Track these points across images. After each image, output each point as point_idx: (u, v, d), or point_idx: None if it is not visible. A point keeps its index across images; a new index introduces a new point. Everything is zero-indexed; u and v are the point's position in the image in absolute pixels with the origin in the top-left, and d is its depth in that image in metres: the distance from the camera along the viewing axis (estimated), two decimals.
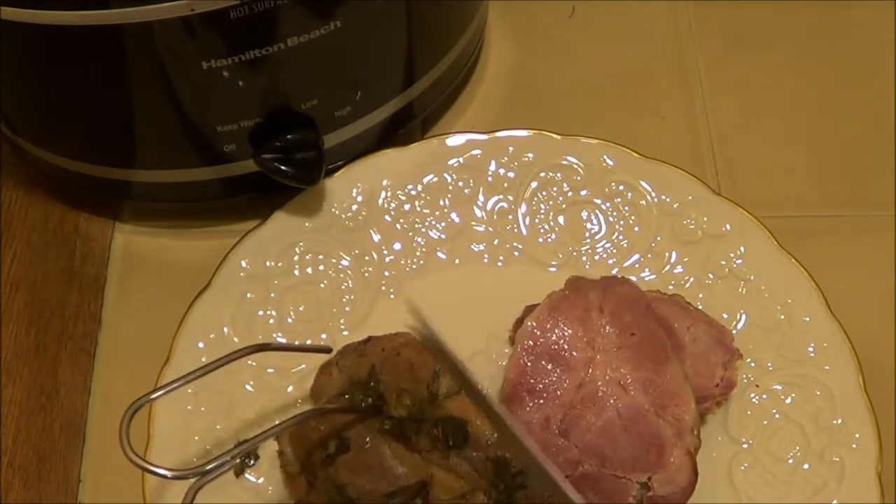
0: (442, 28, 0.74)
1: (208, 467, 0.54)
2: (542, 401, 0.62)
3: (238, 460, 0.56)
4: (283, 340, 0.69)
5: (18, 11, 0.58)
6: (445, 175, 0.74)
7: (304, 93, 0.67)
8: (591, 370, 0.63)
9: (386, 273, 0.72)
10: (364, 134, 0.73)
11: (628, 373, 0.62)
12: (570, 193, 0.74)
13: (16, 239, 0.75)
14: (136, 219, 0.76)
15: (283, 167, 0.68)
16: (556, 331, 0.64)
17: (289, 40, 0.63)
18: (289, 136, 0.68)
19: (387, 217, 0.73)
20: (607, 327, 0.64)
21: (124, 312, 0.72)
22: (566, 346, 0.63)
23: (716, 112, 0.82)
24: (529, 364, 0.63)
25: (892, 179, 0.79)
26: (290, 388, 0.67)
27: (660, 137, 0.80)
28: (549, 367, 0.63)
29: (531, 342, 0.64)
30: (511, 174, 0.74)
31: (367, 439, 0.59)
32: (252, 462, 0.63)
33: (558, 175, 0.74)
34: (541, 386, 0.63)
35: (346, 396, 0.60)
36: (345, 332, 0.69)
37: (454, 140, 0.74)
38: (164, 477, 0.54)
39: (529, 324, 0.64)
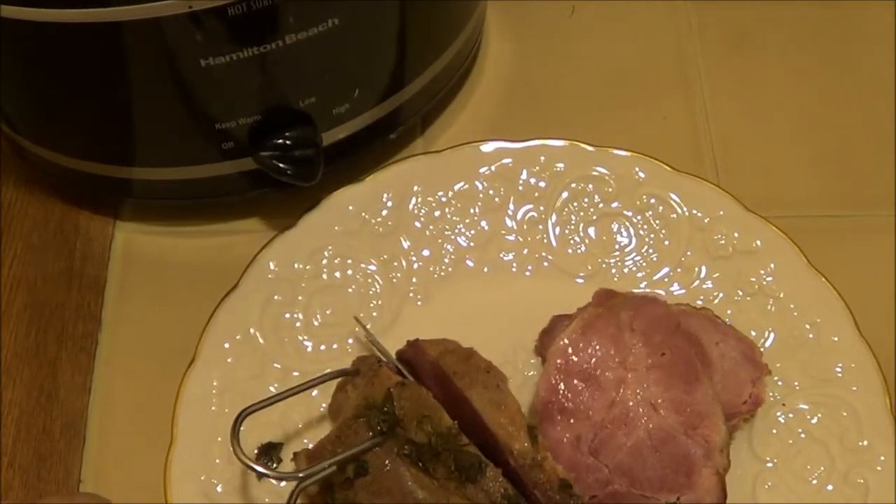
0: (439, 26, 0.74)
1: (308, 472, 0.59)
2: (573, 420, 0.62)
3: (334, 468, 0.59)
4: (309, 344, 0.69)
5: (18, 9, 0.58)
6: (476, 183, 0.74)
7: (302, 90, 0.67)
8: (622, 390, 0.63)
9: (414, 279, 0.72)
10: (363, 131, 0.73)
11: (659, 393, 0.63)
12: (600, 205, 0.74)
13: (16, 239, 0.75)
14: (136, 218, 0.76)
15: (281, 165, 0.68)
16: (589, 350, 0.64)
17: (287, 38, 0.63)
18: (287, 134, 0.68)
19: (416, 223, 0.73)
20: (639, 346, 0.64)
21: (124, 312, 0.72)
22: (598, 366, 0.63)
23: (716, 112, 0.82)
24: (561, 383, 0.63)
25: (892, 179, 0.79)
26: (314, 393, 0.67)
27: (660, 137, 0.80)
28: (581, 386, 0.63)
29: (563, 361, 0.64)
30: (542, 184, 0.74)
31: (387, 462, 0.59)
32: (275, 465, 0.64)
33: (590, 186, 0.74)
34: (572, 405, 0.63)
35: (362, 419, 0.60)
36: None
37: (486, 148, 0.74)
38: (268, 476, 0.60)
39: (562, 342, 0.64)
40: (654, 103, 0.83)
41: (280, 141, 0.68)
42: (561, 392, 0.63)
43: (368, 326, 0.69)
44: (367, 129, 0.73)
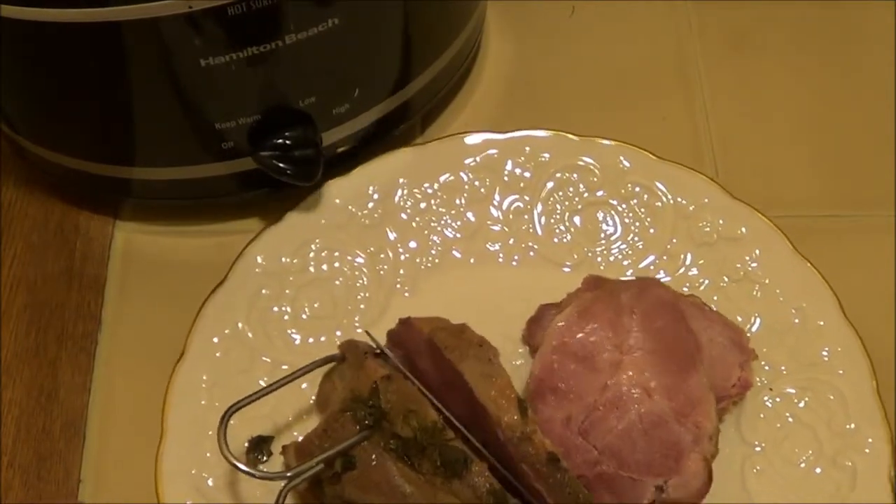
0: (439, 25, 0.74)
1: (295, 472, 0.59)
2: (565, 400, 0.62)
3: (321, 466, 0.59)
4: (298, 337, 0.69)
5: (18, 9, 0.59)
6: (462, 174, 0.74)
7: (302, 90, 0.68)
8: (617, 373, 0.63)
9: (401, 271, 0.72)
10: (363, 131, 0.73)
11: (653, 377, 0.62)
12: (586, 194, 0.74)
13: (16, 239, 0.75)
14: (136, 218, 0.76)
15: (281, 165, 0.68)
16: (586, 331, 0.64)
17: (287, 37, 0.63)
18: (287, 134, 0.68)
19: (403, 215, 0.73)
20: (637, 330, 0.64)
21: (124, 312, 0.72)
22: (594, 348, 0.63)
23: (716, 112, 0.82)
24: (556, 363, 0.63)
25: (892, 179, 0.79)
26: (304, 386, 0.67)
27: (660, 137, 0.80)
28: (576, 367, 0.63)
29: (560, 341, 0.64)
30: (527, 174, 0.74)
31: (373, 457, 0.59)
32: (265, 459, 0.64)
33: (575, 176, 0.74)
34: (565, 385, 0.63)
35: (349, 413, 0.60)
36: (359, 330, 0.69)
37: (471, 139, 0.75)
38: (254, 476, 0.59)
39: (560, 323, 0.64)
40: (654, 103, 0.83)
41: (280, 141, 0.68)
42: (555, 371, 0.63)
43: (356, 319, 0.69)
44: (366, 129, 0.73)
